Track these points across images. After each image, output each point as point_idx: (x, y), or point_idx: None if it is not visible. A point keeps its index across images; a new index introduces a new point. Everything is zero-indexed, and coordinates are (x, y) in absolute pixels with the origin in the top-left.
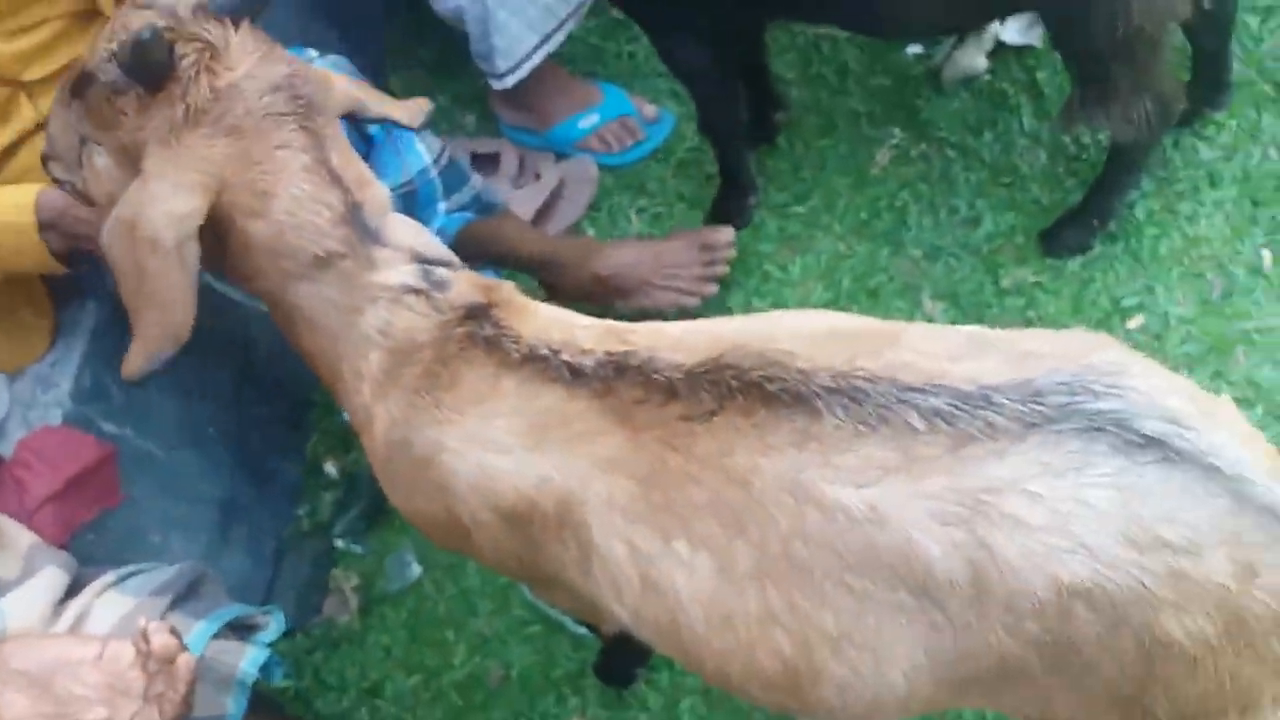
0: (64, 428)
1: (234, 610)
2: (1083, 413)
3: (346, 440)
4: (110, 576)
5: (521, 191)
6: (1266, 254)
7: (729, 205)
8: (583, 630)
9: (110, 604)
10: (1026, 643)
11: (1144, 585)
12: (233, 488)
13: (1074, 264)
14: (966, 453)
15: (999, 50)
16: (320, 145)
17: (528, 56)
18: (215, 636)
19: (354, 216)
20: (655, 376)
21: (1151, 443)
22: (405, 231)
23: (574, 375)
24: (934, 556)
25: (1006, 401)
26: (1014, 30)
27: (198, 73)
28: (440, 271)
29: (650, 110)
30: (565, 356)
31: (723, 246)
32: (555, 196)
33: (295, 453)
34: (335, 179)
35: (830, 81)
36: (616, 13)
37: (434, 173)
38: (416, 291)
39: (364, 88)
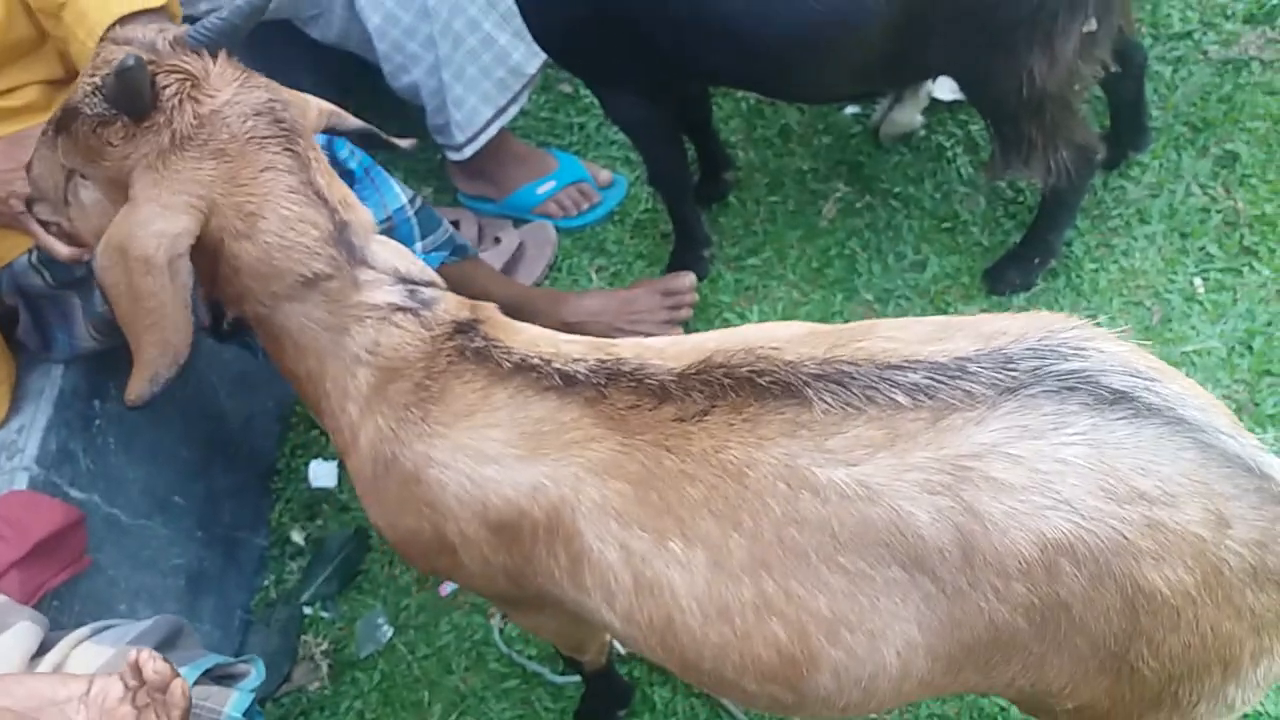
0: (30, 492)
1: (213, 659)
2: (1054, 374)
3: (312, 507)
4: (85, 630)
5: (483, 255)
6: (1199, 282)
7: (685, 258)
8: (562, 679)
9: (88, 654)
10: (1015, 606)
11: (1124, 536)
12: (200, 557)
13: (1019, 300)
14: (947, 423)
15: (934, 105)
16: (305, 167)
17: (484, 128)
18: (195, 685)
19: (340, 236)
20: (648, 381)
21: (1121, 397)
22: (390, 253)
23: (567, 382)
24: (922, 524)
25: (981, 370)
26: (946, 88)
27: (181, 100)
28: (426, 291)
29: (604, 175)
30: (558, 365)
31: (685, 291)
32: (516, 259)
33: (261, 522)
34: (321, 199)
35: (774, 143)
36: (566, 86)
37: (410, 212)
38: (404, 310)
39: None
